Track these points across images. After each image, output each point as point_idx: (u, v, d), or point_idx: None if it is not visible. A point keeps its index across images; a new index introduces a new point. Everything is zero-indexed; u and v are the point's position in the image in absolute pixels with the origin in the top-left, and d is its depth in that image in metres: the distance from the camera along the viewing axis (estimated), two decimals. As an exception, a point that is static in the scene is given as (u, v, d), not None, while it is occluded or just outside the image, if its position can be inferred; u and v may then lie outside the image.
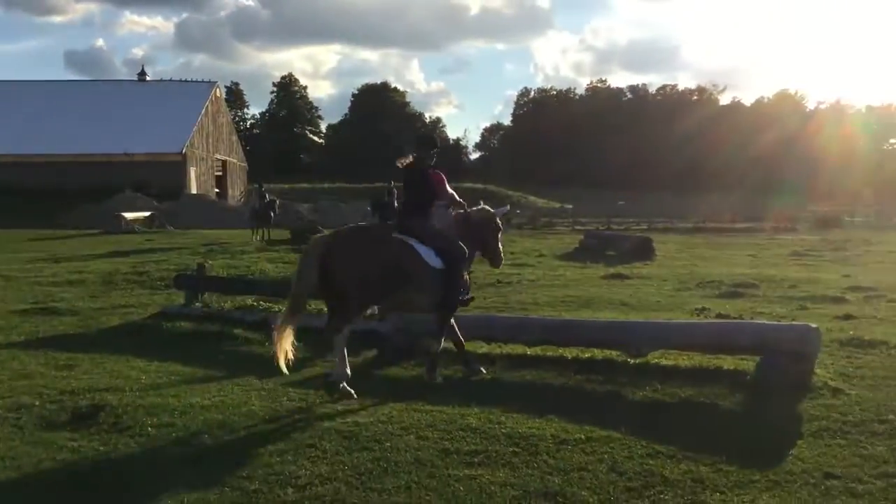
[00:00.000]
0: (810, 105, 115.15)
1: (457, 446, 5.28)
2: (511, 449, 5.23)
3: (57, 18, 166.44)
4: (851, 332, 8.98)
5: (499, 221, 7.98)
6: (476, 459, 5.04)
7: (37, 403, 6.41)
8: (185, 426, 5.83)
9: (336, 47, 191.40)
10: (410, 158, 7.34)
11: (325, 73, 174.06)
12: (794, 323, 7.14)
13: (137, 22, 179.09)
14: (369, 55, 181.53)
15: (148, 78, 60.65)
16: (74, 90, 56.34)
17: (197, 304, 11.47)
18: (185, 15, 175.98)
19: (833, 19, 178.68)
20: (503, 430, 5.61)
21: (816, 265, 19.70)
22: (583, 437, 5.44)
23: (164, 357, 8.42)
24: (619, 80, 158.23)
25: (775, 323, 7.43)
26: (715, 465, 4.88)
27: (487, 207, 8.09)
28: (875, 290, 13.38)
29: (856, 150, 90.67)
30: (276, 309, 10.77)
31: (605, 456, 5.07)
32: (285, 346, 6.64)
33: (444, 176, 7.37)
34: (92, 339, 9.72)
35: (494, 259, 8.00)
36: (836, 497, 4.40)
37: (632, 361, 7.51)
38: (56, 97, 53.21)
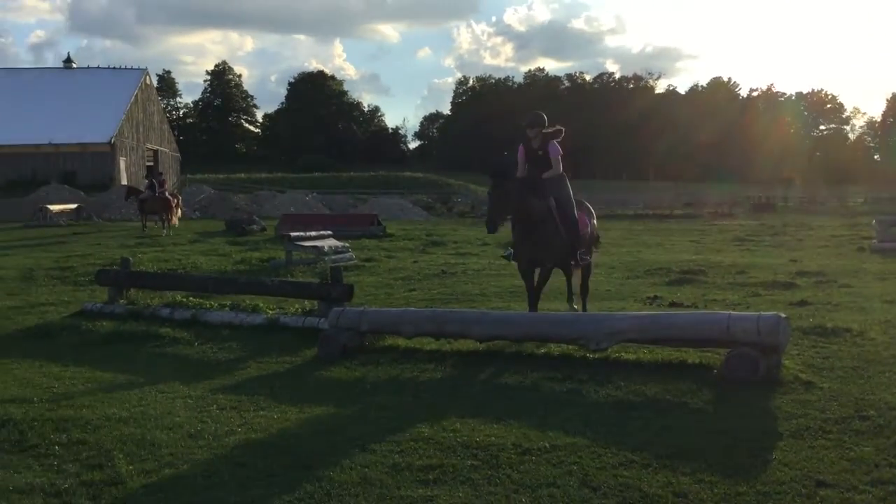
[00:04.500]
0: (743, 92, 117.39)
1: (408, 460, 4.68)
2: (469, 462, 4.64)
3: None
4: (811, 320, 8.67)
5: None
6: (431, 476, 4.43)
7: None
8: (97, 443, 5.11)
9: (249, 32, 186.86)
10: None
11: (240, 59, 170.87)
12: (763, 313, 6.70)
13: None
14: (284, 40, 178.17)
15: (74, 66, 58.10)
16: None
17: (122, 301, 10.63)
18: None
19: (762, 6, 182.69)
20: (459, 440, 5.02)
21: (759, 250, 19.62)
22: (547, 444, 4.89)
23: (80, 361, 7.67)
24: (547, 67, 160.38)
25: (744, 313, 6.99)
26: (695, 474, 4.37)
27: None
28: (823, 274, 13.21)
29: (788, 137, 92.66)
30: (208, 305, 10.08)
31: (574, 467, 4.52)
32: None
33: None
34: (2, 341, 8.87)
35: None
36: (832, 509, 3.94)
37: (591, 356, 7.05)
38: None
